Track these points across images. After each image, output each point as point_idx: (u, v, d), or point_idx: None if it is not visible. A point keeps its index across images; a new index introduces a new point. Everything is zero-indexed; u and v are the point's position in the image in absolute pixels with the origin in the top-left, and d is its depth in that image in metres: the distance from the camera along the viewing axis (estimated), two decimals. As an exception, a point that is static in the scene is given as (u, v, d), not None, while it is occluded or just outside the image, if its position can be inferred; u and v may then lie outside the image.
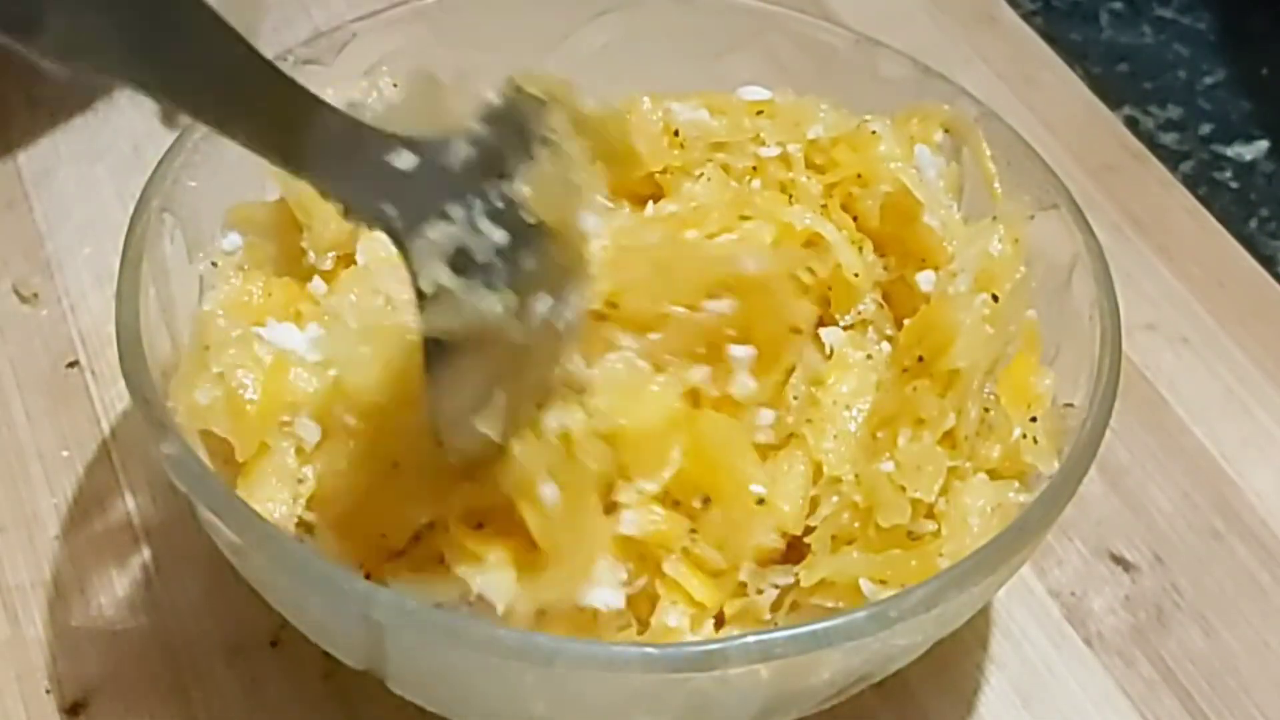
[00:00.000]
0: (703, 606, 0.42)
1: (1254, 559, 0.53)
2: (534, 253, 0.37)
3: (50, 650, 0.48)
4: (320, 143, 0.34)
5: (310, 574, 0.39)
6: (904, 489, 0.42)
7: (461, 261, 0.36)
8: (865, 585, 0.42)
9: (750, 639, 0.37)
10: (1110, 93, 0.71)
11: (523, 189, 0.37)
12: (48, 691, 0.47)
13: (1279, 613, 0.52)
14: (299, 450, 0.43)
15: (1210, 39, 0.76)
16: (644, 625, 0.42)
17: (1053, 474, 0.44)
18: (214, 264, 0.47)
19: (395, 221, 0.35)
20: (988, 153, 0.50)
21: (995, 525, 0.43)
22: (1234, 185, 0.68)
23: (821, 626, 0.38)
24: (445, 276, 0.35)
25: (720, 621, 0.43)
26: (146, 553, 0.50)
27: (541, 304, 0.38)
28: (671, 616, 0.42)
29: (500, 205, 0.36)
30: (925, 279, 0.46)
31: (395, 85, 0.50)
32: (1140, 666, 0.50)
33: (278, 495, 0.43)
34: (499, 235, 0.36)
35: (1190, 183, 0.67)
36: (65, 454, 0.53)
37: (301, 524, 0.43)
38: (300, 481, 0.43)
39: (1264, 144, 0.70)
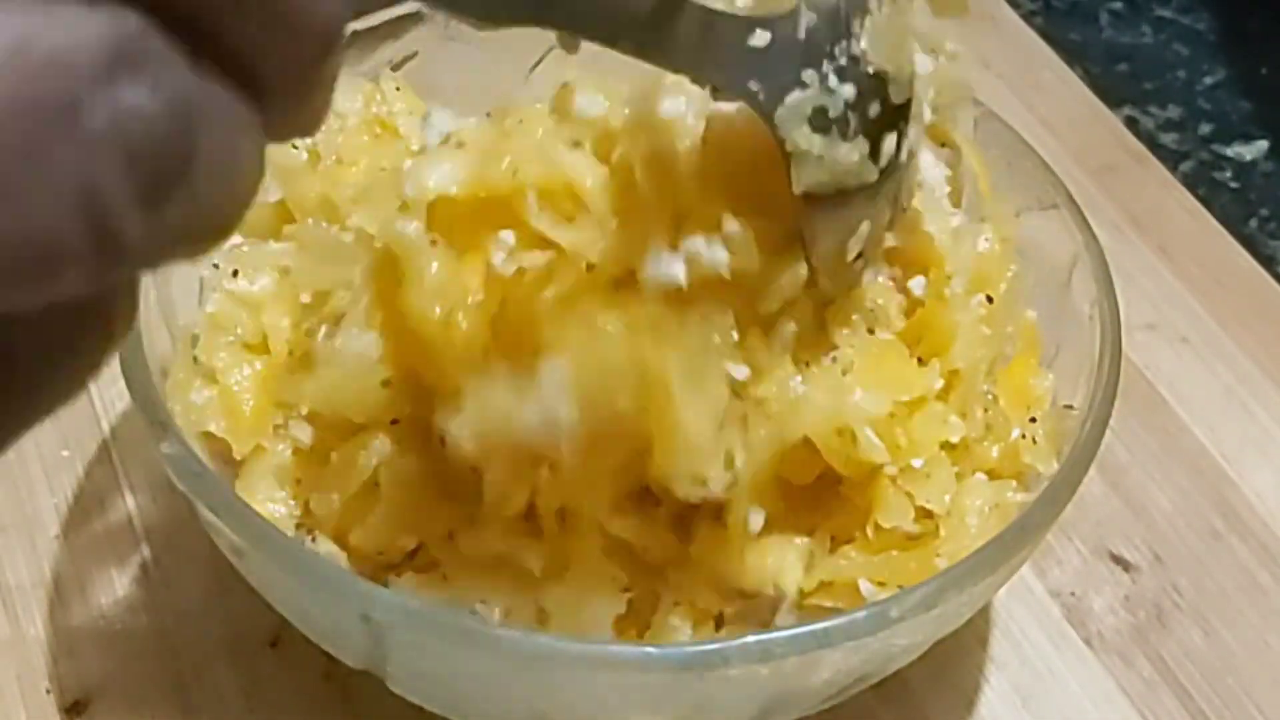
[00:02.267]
0: (705, 612, 0.42)
1: (1254, 559, 0.53)
2: (877, 99, 0.40)
3: (50, 650, 0.48)
4: (686, 36, 0.37)
5: (310, 574, 0.39)
6: (910, 495, 0.42)
7: (819, 120, 0.39)
8: (864, 586, 0.42)
9: (750, 639, 0.37)
10: (1110, 93, 0.71)
11: (862, 45, 0.40)
12: (48, 691, 0.47)
13: (1279, 613, 0.52)
14: (296, 450, 0.43)
15: (1210, 39, 0.76)
16: (644, 626, 0.42)
17: (1052, 474, 0.44)
18: (215, 265, 0.47)
19: (759, 95, 0.38)
20: (978, 154, 0.50)
21: (994, 525, 0.43)
22: (1234, 185, 0.68)
23: (821, 626, 0.38)
24: (807, 139, 0.38)
25: (720, 622, 0.43)
26: (146, 553, 0.50)
27: (888, 143, 0.40)
28: (674, 617, 0.42)
29: (844, 63, 0.39)
30: (918, 284, 0.46)
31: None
32: (1140, 666, 0.50)
33: (276, 495, 0.43)
34: (848, 90, 0.39)
35: (1190, 183, 0.67)
36: (65, 454, 0.53)
37: (302, 524, 0.43)
38: (299, 482, 0.43)
39: (1264, 144, 0.70)
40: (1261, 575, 0.53)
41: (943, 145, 0.50)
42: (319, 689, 0.47)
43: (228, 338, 0.45)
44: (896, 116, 0.41)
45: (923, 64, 0.42)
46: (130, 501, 0.51)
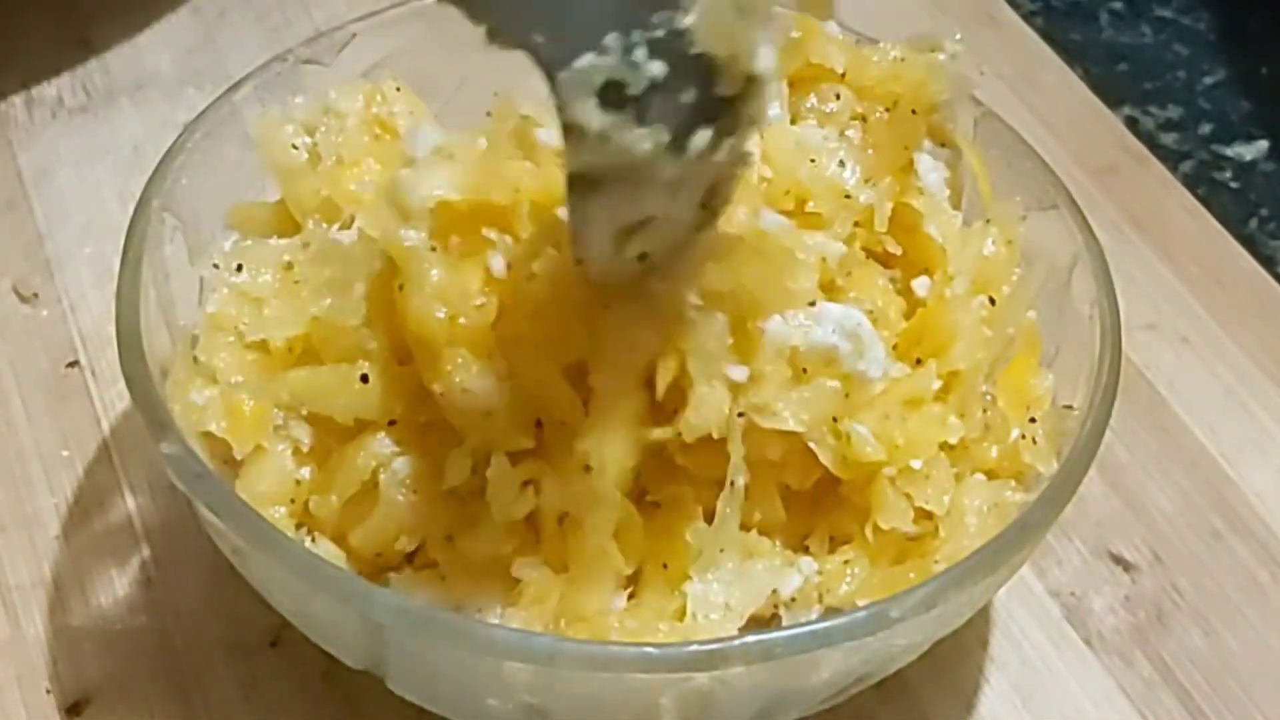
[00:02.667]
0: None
1: (1254, 559, 0.53)
2: (695, 85, 0.35)
3: (50, 650, 0.48)
4: None
5: (310, 574, 0.39)
6: (909, 496, 0.42)
7: (612, 95, 0.34)
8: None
9: (750, 639, 0.37)
10: (1110, 93, 0.71)
11: (687, 18, 0.34)
12: (48, 691, 0.47)
13: (1279, 613, 0.52)
14: (295, 450, 0.43)
15: (1210, 39, 0.76)
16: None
17: (1052, 474, 0.44)
18: (215, 265, 0.47)
19: (543, 50, 0.33)
20: (978, 154, 0.50)
21: (993, 525, 0.43)
22: (1234, 185, 0.68)
23: (821, 626, 0.38)
24: (588, 113, 0.34)
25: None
26: (146, 553, 0.50)
27: (699, 137, 0.35)
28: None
29: (662, 35, 0.34)
30: (921, 284, 0.46)
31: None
32: (1140, 666, 0.50)
33: (277, 495, 0.43)
34: (655, 67, 0.34)
35: (1190, 183, 0.67)
36: (65, 454, 0.53)
37: (302, 524, 0.43)
38: (298, 483, 0.43)
39: (1264, 144, 0.70)
40: (1261, 575, 0.53)
41: (942, 145, 0.50)
42: (319, 689, 0.47)
43: (228, 338, 0.45)
44: (719, 110, 0.36)
45: (768, 59, 0.36)
46: (130, 501, 0.51)
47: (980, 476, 0.45)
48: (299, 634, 0.44)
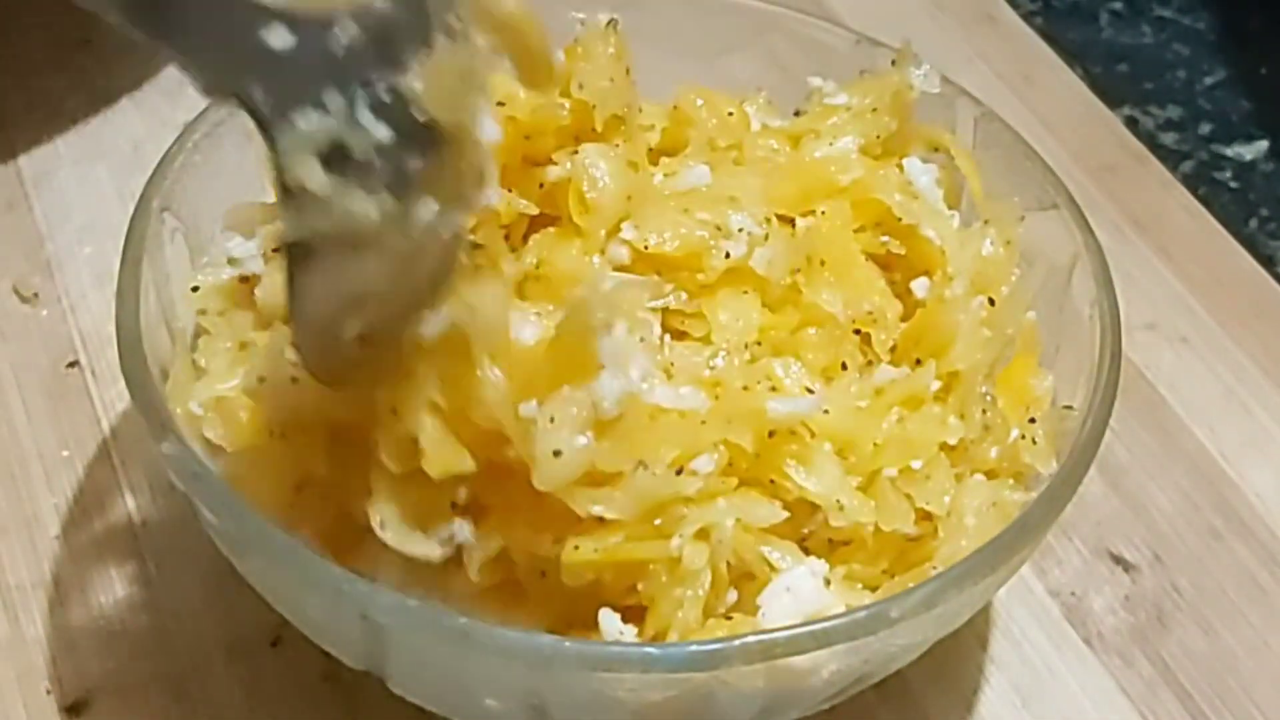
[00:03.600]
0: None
1: (1254, 559, 0.53)
2: (422, 153, 0.34)
3: (50, 650, 0.48)
4: (180, 6, 0.30)
5: (310, 574, 0.39)
6: (909, 496, 0.42)
7: (337, 158, 0.32)
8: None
9: (750, 639, 0.37)
10: (1110, 93, 0.71)
11: (415, 83, 0.33)
12: (48, 691, 0.47)
13: (1279, 613, 0.52)
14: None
15: (1210, 39, 0.76)
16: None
17: (1052, 474, 0.44)
18: (208, 264, 0.47)
19: (261, 106, 0.31)
20: (968, 156, 0.50)
21: (994, 525, 0.43)
22: (1234, 185, 0.69)
23: (821, 626, 0.38)
24: (311, 174, 0.32)
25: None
26: (146, 553, 0.50)
27: (425, 209, 0.34)
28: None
29: (387, 98, 0.32)
30: (920, 285, 0.46)
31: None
32: (1140, 666, 0.50)
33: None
34: (381, 131, 0.33)
35: (1190, 183, 0.67)
36: (65, 454, 0.53)
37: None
38: (299, 488, 0.43)
39: (1264, 144, 0.70)
40: (1261, 575, 0.53)
41: (935, 150, 0.51)
42: (319, 689, 0.47)
43: (225, 343, 0.45)
44: (453, 180, 0.35)
45: (491, 131, 0.36)
46: (130, 501, 0.51)
47: (980, 477, 0.45)
48: (299, 634, 0.44)
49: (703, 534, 0.40)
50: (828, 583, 0.41)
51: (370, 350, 0.37)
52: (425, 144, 0.34)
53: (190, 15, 0.30)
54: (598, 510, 0.39)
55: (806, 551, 0.44)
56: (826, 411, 0.42)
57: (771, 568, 0.41)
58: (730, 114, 0.50)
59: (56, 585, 0.49)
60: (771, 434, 0.41)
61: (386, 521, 0.39)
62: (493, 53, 0.37)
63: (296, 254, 0.34)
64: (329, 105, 0.32)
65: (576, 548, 0.39)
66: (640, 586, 0.40)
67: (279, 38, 0.31)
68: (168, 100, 0.64)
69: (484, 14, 0.36)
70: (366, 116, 0.32)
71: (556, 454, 0.38)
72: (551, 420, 0.38)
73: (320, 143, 0.32)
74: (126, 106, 0.64)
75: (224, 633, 0.48)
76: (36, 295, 0.57)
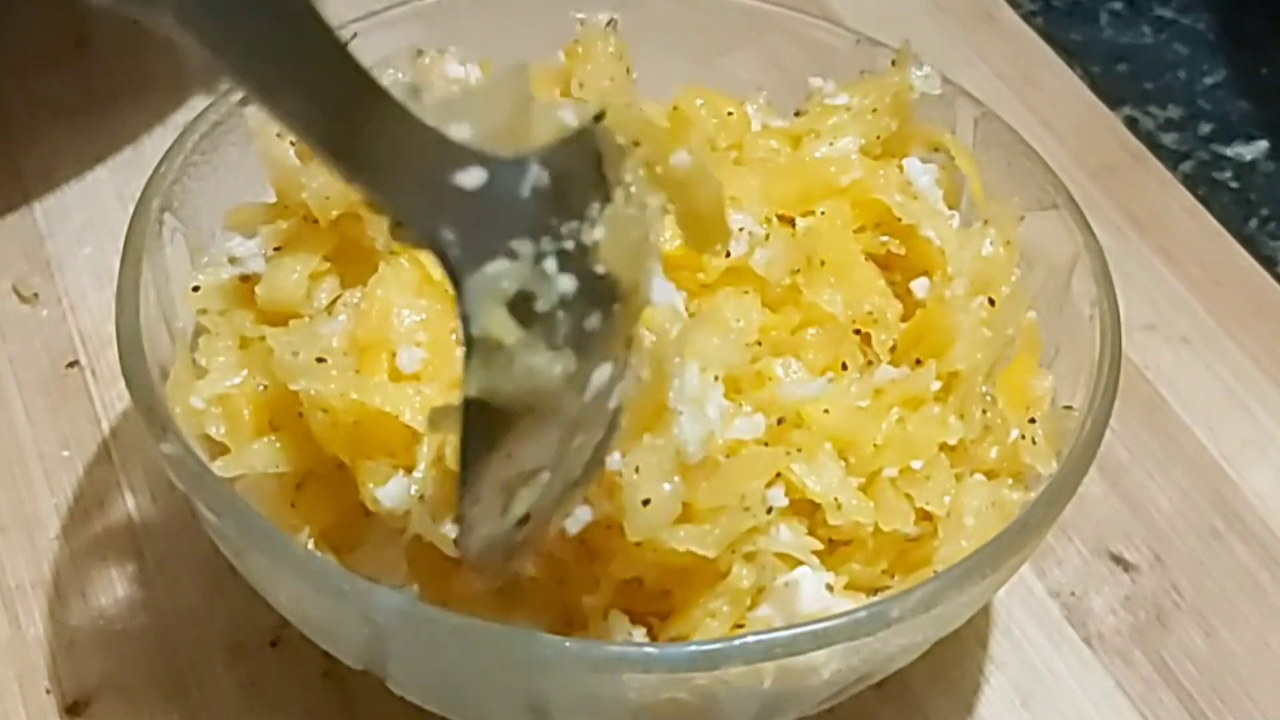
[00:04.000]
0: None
1: (1254, 559, 0.53)
2: (599, 312, 0.32)
3: (50, 650, 0.48)
4: (377, 141, 0.28)
5: (310, 574, 0.39)
6: (910, 497, 0.42)
7: (521, 309, 0.30)
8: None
9: (750, 639, 0.37)
10: (1110, 93, 0.71)
11: (597, 233, 0.31)
12: (48, 691, 0.47)
13: (1279, 613, 0.52)
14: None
15: (1210, 39, 0.76)
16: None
17: (1052, 474, 0.44)
18: (207, 263, 0.47)
19: (453, 249, 0.30)
20: (968, 156, 0.50)
21: (994, 525, 0.43)
22: (1234, 185, 0.68)
23: (821, 626, 0.38)
24: (501, 323, 0.30)
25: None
26: (146, 553, 0.50)
27: (600, 375, 0.33)
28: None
29: (570, 248, 0.31)
30: (920, 285, 0.46)
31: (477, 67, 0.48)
32: (1140, 666, 0.50)
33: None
34: (565, 281, 0.31)
35: (1190, 183, 0.67)
36: (65, 454, 0.53)
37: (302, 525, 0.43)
38: (299, 487, 0.43)
39: (1264, 144, 0.70)
40: (1261, 575, 0.53)
41: (935, 150, 0.51)
42: (319, 689, 0.47)
43: (227, 342, 0.45)
44: (615, 343, 0.33)
45: (662, 293, 0.34)
46: (130, 501, 0.51)
47: (980, 477, 0.45)
48: (299, 634, 0.44)
49: (750, 556, 0.40)
50: (830, 589, 0.41)
51: (525, 533, 0.35)
52: (603, 300, 0.32)
53: (386, 154, 0.28)
54: (693, 549, 0.39)
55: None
56: (827, 411, 0.42)
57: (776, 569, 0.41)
58: (730, 114, 0.50)
59: (56, 585, 0.49)
60: (780, 421, 0.41)
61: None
62: (663, 211, 0.35)
63: (473, 415, 0.31)
64: (518, 252, 0.30)
65: (639, 544, 0.39)
66: (677, 592, 0.40)
67: (471, 177, 0.30)
68: (168, 100, 0.64)
69: (656, 170, 0.34)
70: (551, 265, 0.31)
71: (646, 503, 0.38)
72: (637, 471, 0.38)
73: (509, 292, 0.30)
74: (126, 106, 0.64)
75: (224, 633, 0.48)
76: (36, 295, 0.57)
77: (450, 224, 0.29)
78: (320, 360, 0.42)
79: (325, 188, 0.44)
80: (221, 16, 0.26)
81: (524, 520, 0.35)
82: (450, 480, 0.36)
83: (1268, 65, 0.74)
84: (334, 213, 0.45)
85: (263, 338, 0.43)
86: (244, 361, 0.44)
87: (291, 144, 0.47)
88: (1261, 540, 0.54)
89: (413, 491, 0.39)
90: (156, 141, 0.62)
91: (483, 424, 0.31)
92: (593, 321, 0.32)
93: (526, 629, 0.40)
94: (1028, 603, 0.51)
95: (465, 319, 0.30)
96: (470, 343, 0.30)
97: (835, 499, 0.41)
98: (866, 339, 0.45)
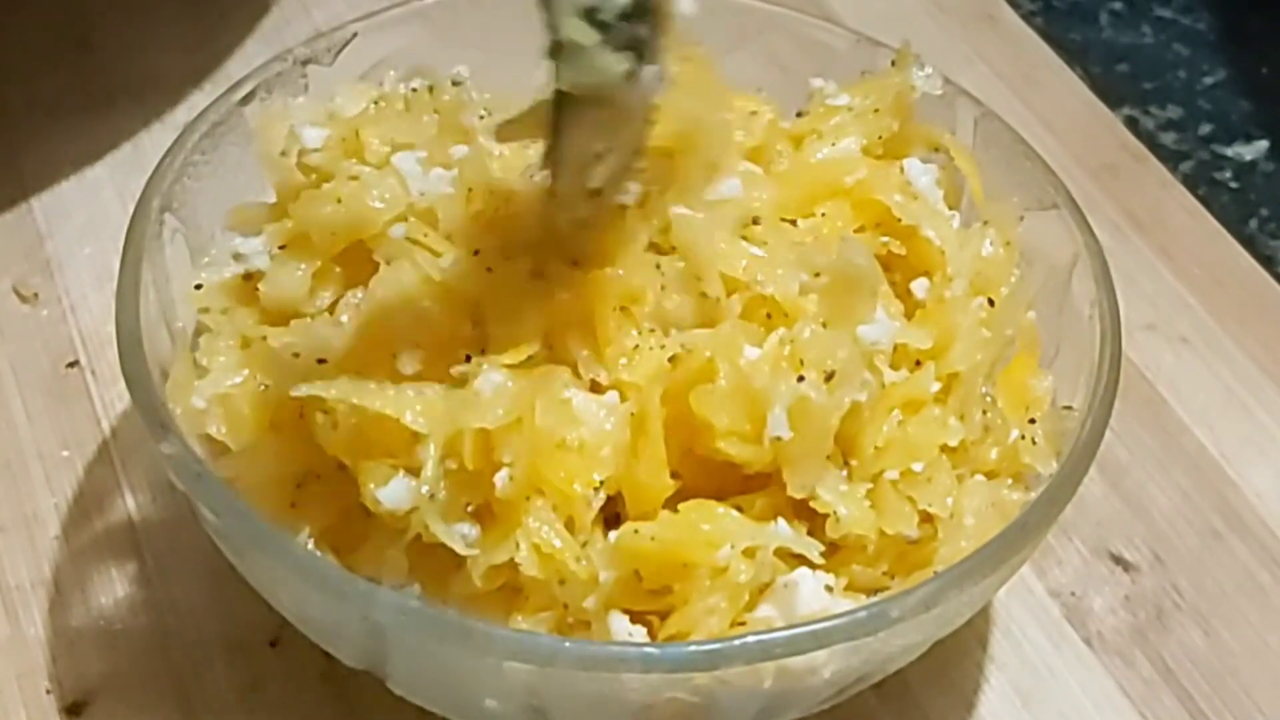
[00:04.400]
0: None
1: (1254, 559, 0.53)
2: (644, 21, 0.39)
3: (50, 650, 0.48)
4: None
5: (310, 574, 0.39)
6: (912, 499, 0.42)
7: (590, 19, 0.38)
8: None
9: (750, 639, 0.37)
10: (1110, 93, 0.71)
11: None
12: (48, 691, 0.47)
13: (1279, 613, 0.52)
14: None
15: (1210, 39, 0.76)
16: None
17: (1052, 474, 0.44)
18: (208, 263, 0.47)
19: None
20: (968, 156, 0.50)
21: (993, 525, 0.43)
22: (1234, 185, 0.68)
23: (821, 626, 0.38)
24: (580, 29, 0.37)
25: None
26: (146, 553, 0.50)
27: (650, 71, 0.39)
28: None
29: None
30: (920, 286, 0.46)
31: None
32: (1140, 666, 0.50)
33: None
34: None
35: (1190, 183, 0.67)
36: (65, 454, 0.53)
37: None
38: (299, 487, 0.43)
39: (1264, 144, 0.70)
40: (1261, 575, 0.53)
41: (935, 150, 0.51)
42: (319, 689, 0.47)
43: (229, 340, 0.45)
44: (660, 50, 0.40)
45: (687, 6, 0.41)
46: (130, 501, 0.51)
47: (980, 477, 0.45)
48: (299, 634, 0.44)
49: (750, 551, 0.40)
50: (830, 590, 0.41)
51: (598, 204, 0.43)
52: (646, 13, 0.39)
53: None
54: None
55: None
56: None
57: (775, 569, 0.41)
58: (754, 113, 0.50)
59: (56, 585, 0.49)
60: None
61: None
62: None
63: (563, 102, 0.39)
64: None
65: (636, 531, 0.40)
66: (677, 588, 0.40)
67: None
68: (168, 100, 0.64)
69: None
70: None
71: None
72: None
73: (581, 6, 0.37)
74: (126, 106, 0.64)
75: (224, 633, 0.48)
76: (36, 295, 0.57)
77: None
78: (321, 361, 0.42)
79: (329, 219, 0.45)
80: None
81: (597, 193, 0.43)
82: (457, 481, 0.40)
83: (1268, 65, 0.74)
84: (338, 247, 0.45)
85: (264, 337, 0.43)
86: (245, 361, 0.44)
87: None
88: (1261, 540, 0.54)
89: (424, 491, 0.40)
90: (156, 141, 0.62)
91: (568, 106, 0.39)
92: (642, 30, 0.39)
93: (526, 629, 0.40)
94: (1028, 603, 0.51)
95: (552, 27, 0.38)
96: (554, 48, 0.38)
97: (835, 511, 0.41)
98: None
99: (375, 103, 0.48)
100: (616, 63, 0.38)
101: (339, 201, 0.44)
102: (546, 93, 0.39)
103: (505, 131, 0.42)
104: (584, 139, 0.41)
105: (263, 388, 0.43)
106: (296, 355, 0.42)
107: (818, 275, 0.43)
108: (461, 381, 0.41)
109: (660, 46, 0.40)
